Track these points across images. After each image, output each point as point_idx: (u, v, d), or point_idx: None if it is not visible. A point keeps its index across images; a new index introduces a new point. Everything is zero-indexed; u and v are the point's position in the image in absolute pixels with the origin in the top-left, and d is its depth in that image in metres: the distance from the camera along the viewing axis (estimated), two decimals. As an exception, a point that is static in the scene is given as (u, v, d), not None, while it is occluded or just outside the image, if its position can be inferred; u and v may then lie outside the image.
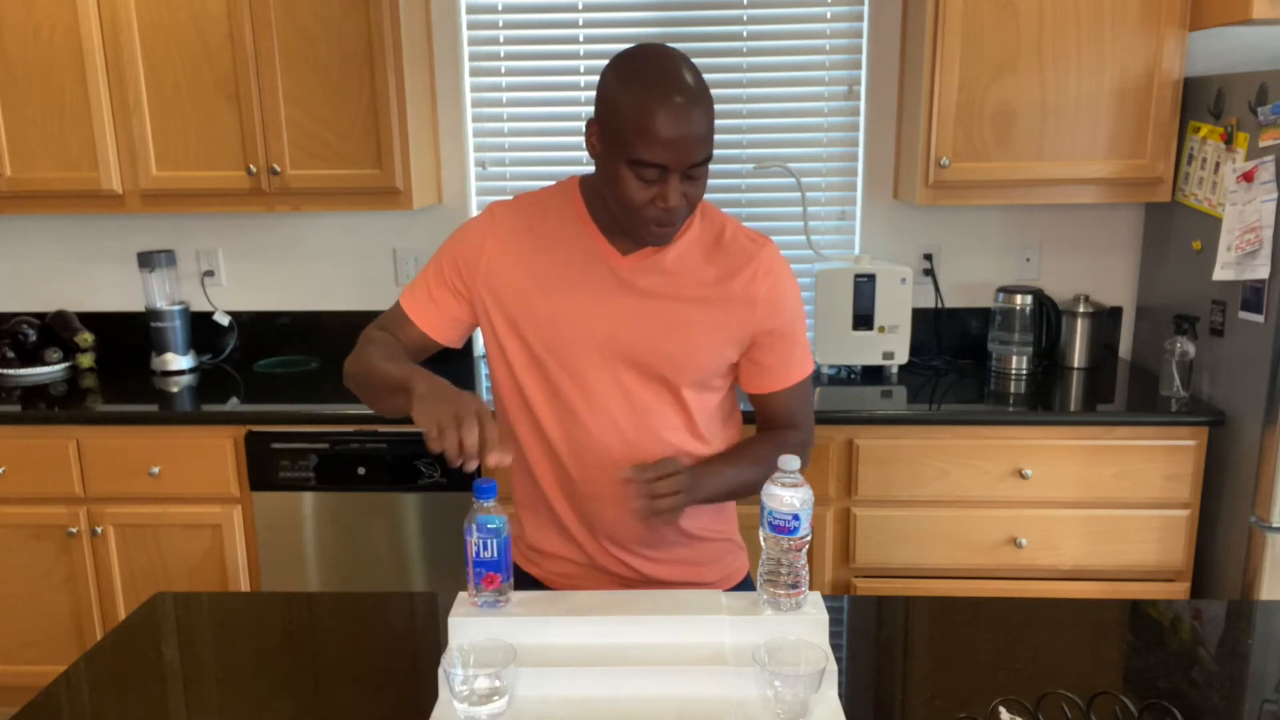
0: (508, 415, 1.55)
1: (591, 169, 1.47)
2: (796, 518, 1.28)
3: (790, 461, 1.29)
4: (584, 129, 1.40)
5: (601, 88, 1.38)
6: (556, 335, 1.46)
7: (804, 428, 1.61)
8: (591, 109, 2.97)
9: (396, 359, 1.47)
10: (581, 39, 2.96)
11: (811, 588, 1.36)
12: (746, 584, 1.66)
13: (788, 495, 1.28)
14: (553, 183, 1.56)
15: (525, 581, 1.64)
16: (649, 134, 1.30)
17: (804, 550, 1.32)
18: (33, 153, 2.74)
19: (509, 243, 1.48)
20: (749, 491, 1.50)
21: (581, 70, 2.99)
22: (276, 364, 3.09)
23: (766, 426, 1.62)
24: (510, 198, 1.56)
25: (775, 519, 1.29)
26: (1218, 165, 2.47)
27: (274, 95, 2.67)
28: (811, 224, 3.00)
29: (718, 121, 2.99)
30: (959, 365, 2.96)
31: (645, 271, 1.46)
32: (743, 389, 1.59)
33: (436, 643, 1.43)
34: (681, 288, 1.46)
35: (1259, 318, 2.32)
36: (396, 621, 1.52)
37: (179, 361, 3.02)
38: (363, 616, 1.52)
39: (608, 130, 1.36)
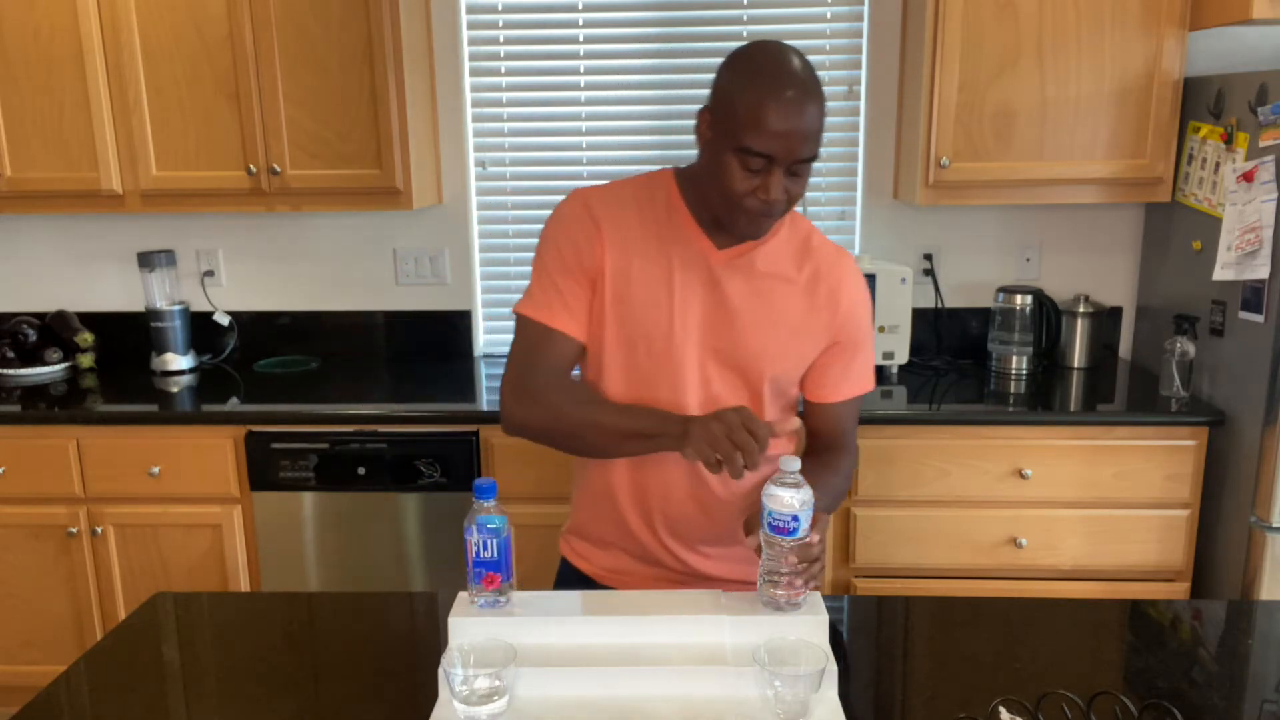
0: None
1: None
2: (796, 518, 1.28)
3: (790, 462, 1.29)
4: (695, 117, 1.45)
5: (718, 79, 1.41)
6: (647, 323, 1.47)
7: (852, 450, 1.62)
8: (589, 108, 3.00)
9: (607, 405, 1.48)
10: (581, 39, 2.96)
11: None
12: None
13: (788, 495, 1.28)
14: (603, 181, 1.57)
15: (574, 579, 1.65)
16: (759, 123, 1.32)
17: None
18: (33, 153, 2.74)
19: (614, 229, 1.48)
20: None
21: (581, 70, 2.99)
22: (276, 364, 3.09)
23: (815, 440, 1.62)
24: (595, 185, 1.56)
25: (775, 520, 1.29)
26: (1218, 165, 2.47)
27: (274, 95, 2.67)
28: (811, 224, 3.00)
29: (718, 121, 3.00)
30: (959, 365, 2.96)
31: (739, 269, 1.48)
32: (803, 396, 1.60)
33: (436, 643, 1.43)
34: (773, 286, 1.49)
35: (1259, 318, 2.32)
36: (396, 621, 1.52)
37: (179, 361, 3.02)
38: (363, 616, 1.52)
39: (719, 118, 1.38)
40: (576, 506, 1.66)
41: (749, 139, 1.33)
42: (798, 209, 1.57)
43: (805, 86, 1.33)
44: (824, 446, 1.61)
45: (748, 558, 1.59)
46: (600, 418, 1.46)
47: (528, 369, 1.50)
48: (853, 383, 1.58)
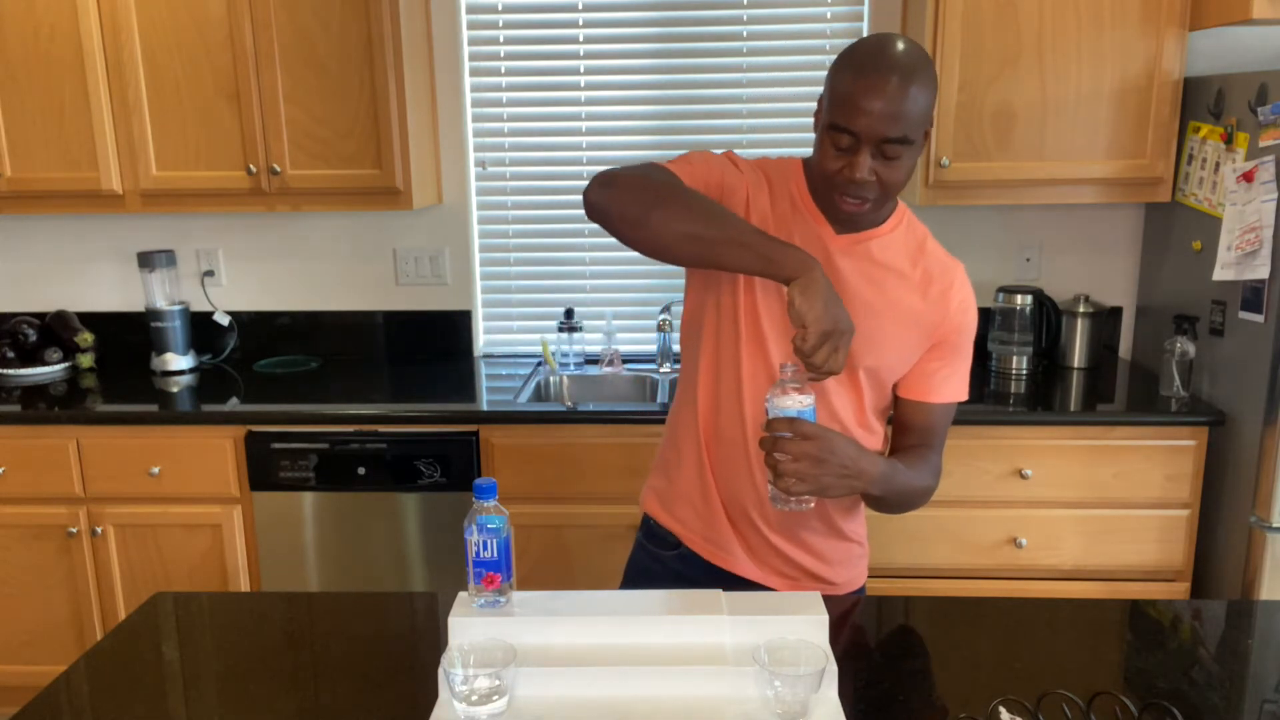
0: (698, 363, 1.56)
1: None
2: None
3: (787, 369, 1.34)
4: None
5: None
6: (763, 290, 1.47)
7: (939, 454, 1.60)
8: (589, 108, 3.01)
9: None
10: (581, 39, 2.97)
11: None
12: (863, 590, 1.68)
13: (791, 400, 1.32)
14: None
15: (658, 533, 1.65)
16: (845, 100, 1.34)
17: None
18: (33, 153, 2.74)
19: (752, 190, 1.50)
20: (897, 498, 1.53)
21: (581, 70, 2.99)
22: (276, 364, 3.09)
23: (901, 440, 1.60)
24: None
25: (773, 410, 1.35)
26: (1218, 165, 2.47)
27: (274, 95, 2.67)
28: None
29: (716, 121, 3.00)
30: (959, 365, 2.95)
31: (855, 256, 1.49)
32: (898, 395, 1.59)
33: (436, 643, 1.43)
34: (885, 277, 1.50)
35: (1259, 318, 2.32)
36: (396, 621, 1.52)
37: (179, 361, 3.02)
38: (363, 616, 1.52)
39: (823, 99, 1.42)
40: (664, 467, 1.65)
41: (835, 115, 1.36)
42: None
43: (897, 67, 1.33)
44: (913, 446, 1.59)
45: (826, 555, 1.60)
46: (718, 210, 1.38)
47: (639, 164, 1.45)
48: (952, 387, 1.57)
